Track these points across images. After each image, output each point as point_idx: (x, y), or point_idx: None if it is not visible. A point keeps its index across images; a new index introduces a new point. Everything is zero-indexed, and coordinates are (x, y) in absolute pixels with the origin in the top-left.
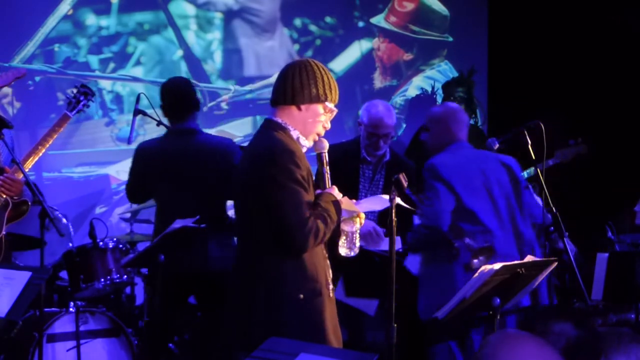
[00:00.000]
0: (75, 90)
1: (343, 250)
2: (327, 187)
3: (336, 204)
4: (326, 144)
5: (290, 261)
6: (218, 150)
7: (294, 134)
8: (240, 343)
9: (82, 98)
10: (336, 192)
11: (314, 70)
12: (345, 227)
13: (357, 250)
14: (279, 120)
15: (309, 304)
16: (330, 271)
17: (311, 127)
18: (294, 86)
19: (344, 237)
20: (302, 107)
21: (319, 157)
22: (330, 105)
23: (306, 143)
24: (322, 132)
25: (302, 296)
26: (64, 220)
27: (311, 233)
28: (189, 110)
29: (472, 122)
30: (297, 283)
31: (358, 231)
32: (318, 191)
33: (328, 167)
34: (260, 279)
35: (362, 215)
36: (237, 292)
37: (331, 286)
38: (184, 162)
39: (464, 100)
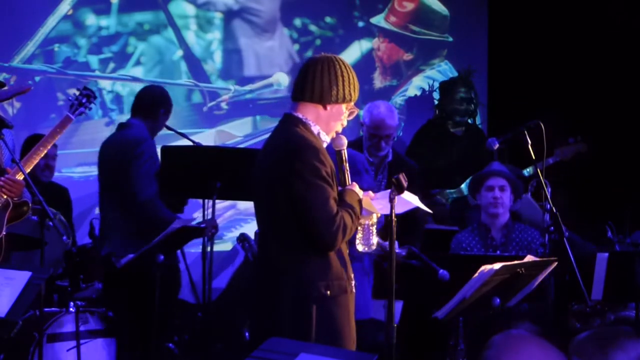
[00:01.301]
0: (77, 93)
1: (360, 247)
2: (348, 183)
3: (359, 201)
4: (345, 141)
5: (316, 258)
6: (120, 141)
7: (315, 129)
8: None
9: (84, 100)
10: (357, 189)
11: (342, 70)
12: (361, 219)
13: (373, 247)
14: (300, 116)
15: (335, 300)
16: (351, 268)
17: (333, 126)
18: (322, 86)
19: (360, 233)
20: (329, 106)
21: (338, 153)
22: (352, 104)
23: (326, 138)
24: (340, 130)
25: (329, 293)
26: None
27: (339, 230)
28: (134, 109)
29: (470, 121)
30: (324, 280)
31: (374, 226)
32: (340, 188)
33: (347, 164)
34: (287, 276)
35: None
36: (262, 289)
37: (353, 282)
38: (101, 156)
39: (464, 99)
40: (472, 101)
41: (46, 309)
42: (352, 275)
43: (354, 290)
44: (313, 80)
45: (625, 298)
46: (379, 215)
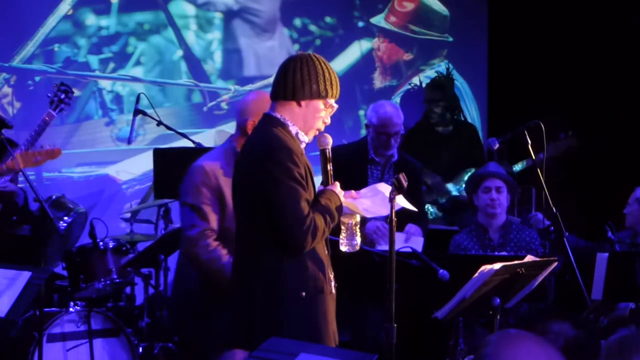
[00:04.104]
0: (55, 89)
1: (343, 247)
2: (330, 183)
3: (337, 201)
4: (330, 140)
5: (290, 259)
6: None
7: (293, 129)
8: (241, 341)
9: (62, 96)
10: (338, 189)
11: (315, 66)
12: (344, 219)
13: (357, 247)
14: (278, 116)
15: (311, 301)
16: (331, 268)
17: (311, 123)
18: (294, 81)
19: (344, 232)
20: (303, 103)
21: (323, 153)
22: (330, 101)
23: (305, 139)
24: (322, 128)
25: (304, 294)
26: None
27: (309, 231)
28: None
29: (462, 119)
30: (299, 281)
31: (357, 225)
32: (320, 187)
33: (331, 164)
34: (260, 277)
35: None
36: (237, 290)
37: (333, 282)
38: None
39: (434, 100)
40: (452, 100)
41: (46, 309)
42: (332, 276)
43: (333, 291)
44: (285, 78)
45: (625, 298)
46: (365, 215)
